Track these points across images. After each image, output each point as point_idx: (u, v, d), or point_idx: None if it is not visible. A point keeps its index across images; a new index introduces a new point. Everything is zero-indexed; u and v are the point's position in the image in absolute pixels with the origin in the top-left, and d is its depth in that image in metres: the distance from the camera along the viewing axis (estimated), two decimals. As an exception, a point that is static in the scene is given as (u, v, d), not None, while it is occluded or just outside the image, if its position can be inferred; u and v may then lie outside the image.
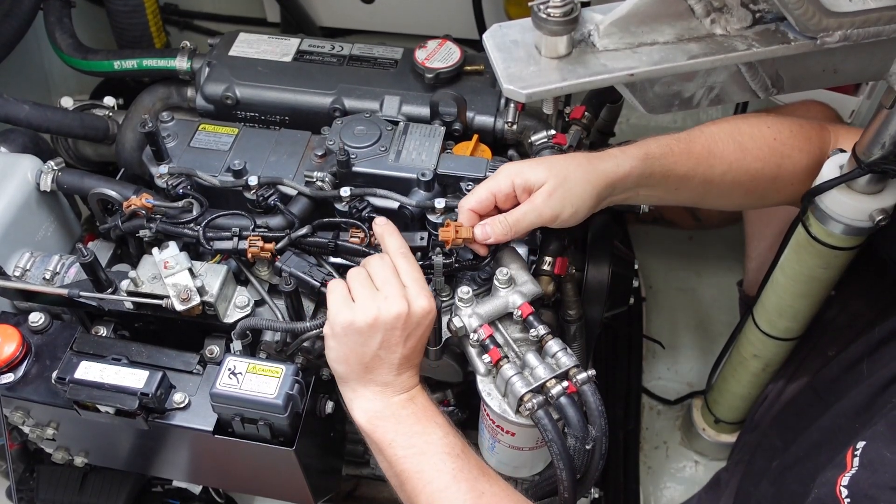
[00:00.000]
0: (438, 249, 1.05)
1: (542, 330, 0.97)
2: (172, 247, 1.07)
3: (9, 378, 1.05)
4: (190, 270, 1.05)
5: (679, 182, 1.04)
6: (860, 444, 0.85)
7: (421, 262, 1.01)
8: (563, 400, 0.91)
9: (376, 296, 0.91)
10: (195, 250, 1.14)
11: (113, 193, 1.17)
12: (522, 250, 1.15)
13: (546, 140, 1.17)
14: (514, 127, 1.21)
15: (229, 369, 0.98)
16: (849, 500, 0.80)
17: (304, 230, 1.09)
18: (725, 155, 1.04)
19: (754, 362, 1.35)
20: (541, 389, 0.92)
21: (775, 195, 1.11)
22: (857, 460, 0.84)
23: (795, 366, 1.34)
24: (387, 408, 0.93)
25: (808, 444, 1.08)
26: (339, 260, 1.13)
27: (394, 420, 0.92)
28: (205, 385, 1.04)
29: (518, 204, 1.00)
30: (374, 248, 1.09)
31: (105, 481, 1.29)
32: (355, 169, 1.13)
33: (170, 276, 1.04)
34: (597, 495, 1.40)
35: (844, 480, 0.83)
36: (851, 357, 1.12)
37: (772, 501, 1.13)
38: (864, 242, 1.07)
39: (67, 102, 1.36)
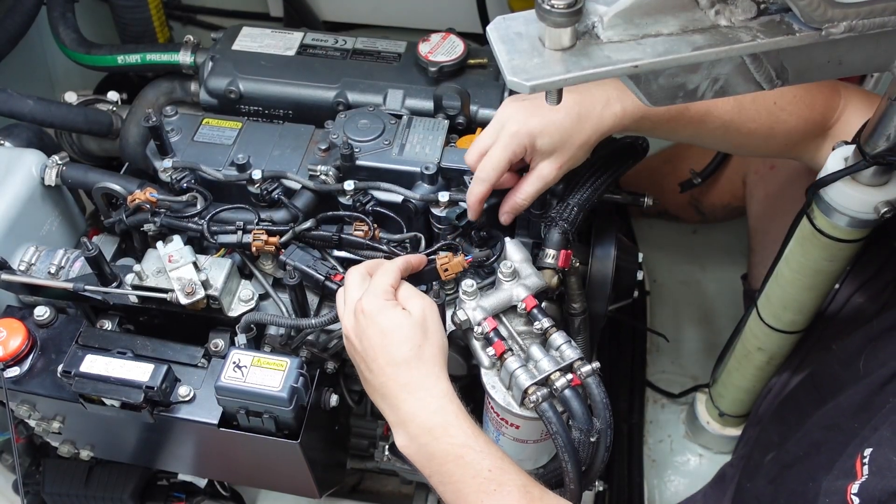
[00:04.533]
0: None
1: (546, 322, 0.97)
2: (177, 241, 1.07)
3: (15, 371, 1.06)
4: (194, 264, 1.05)
5: (667, 135, 1.09)
6: (867, 451, 0.85)
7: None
8: (567, 392, 0.91)
9: None
10: (199, 244, 1.14)
11: (117, 188, 1.17)
12: (526, 243, 1.15)
13: (550, 133, 1.17)
14: (518, 120, 1.21)
15: (234, 362, 0.99)
16: None
17: (308, 224, 1.09)
18: (722, 114, 1.05)
19: (759, 355, 1.35)
20: (545, 382, 0.92)
21: (765, 150, 1.14)
22: (866, 468, 0.84)
23: (800, 359, 1.34)
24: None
25: (808, 443, 1.08)
26: (343, 253, 1.13)
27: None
28: (210, 378, 1.04)
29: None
30: (377, 241, 1.09)
31: (111, 475, 1.29)
32: (359, 163, 1.13)
33: (174, 269, 1.04)
34: (601, 488, 1.40)
35: (854, 488, 0.83)
36: (849, 351, 1.12)
37: (770, 500, 1.13)
38: (869, 235, 1.07)
39: (71, 97, 1.37)
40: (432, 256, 1.06)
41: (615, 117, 1.02)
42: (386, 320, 0.90)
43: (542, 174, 1.03)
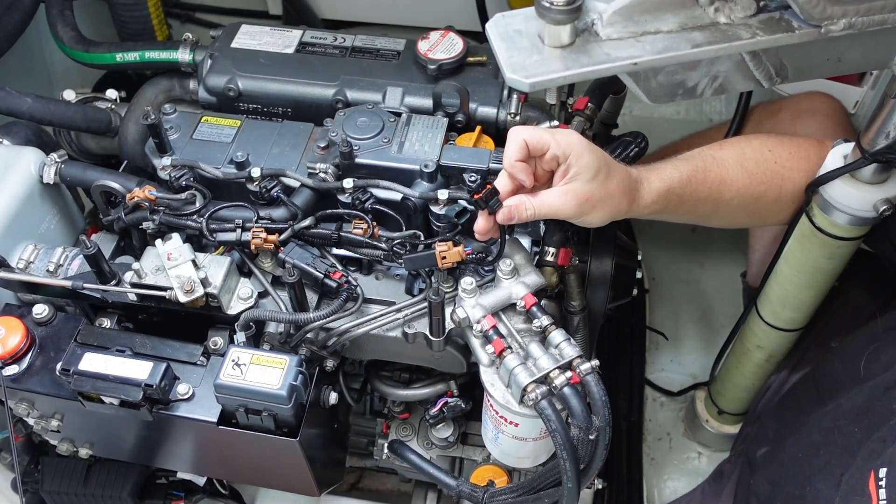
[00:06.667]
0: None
1: (545, 320, 0.97)
2: (176, 238, 1.07)
3: (13, 370, 1.05)
4: (193, 262, 1.05)
5: (690, 208, 1.06)
6: (882, 472, 0.84)
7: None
8: (566, 390, 0.91)
9: None
10: (198, 242, 1.14)
11: (116, 186, 1.17)
12: (526, 241, 1.15)
13: (549, 131, 1.17)
14: (517, 118, 1.21)
15: (233, 360, 0.99)
16: None
17: (307, 222, 1.09)
18: (734, 181, 1.06)
19: (758, 353, 1.35)
20: (544, 380, 0.92)
21: (776, 215, 1.14)
22: (883, 491, 0.83)
23: (798, 356, 1.34)
24: None
25: (806, 445, 1.07)
26: (342, 251, 1.13)
27: None
28: (209, 376, 1.04)
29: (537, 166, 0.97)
30: (376, 239, 1.09)
31: (110, 473, 1.29)
32: (358, 160, 1.13)
33: (173, 267, 1.04)
34: (600, 486, 1.40)
35: None
36: (851, 349, 1.12)
37: (768, 500, 1.13)
38: (869, 233, 1.07)
39: (70, 95, 1.36)
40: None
41: (643, 195, 1.00)
42: None
43: (576, 189, 0.93)
